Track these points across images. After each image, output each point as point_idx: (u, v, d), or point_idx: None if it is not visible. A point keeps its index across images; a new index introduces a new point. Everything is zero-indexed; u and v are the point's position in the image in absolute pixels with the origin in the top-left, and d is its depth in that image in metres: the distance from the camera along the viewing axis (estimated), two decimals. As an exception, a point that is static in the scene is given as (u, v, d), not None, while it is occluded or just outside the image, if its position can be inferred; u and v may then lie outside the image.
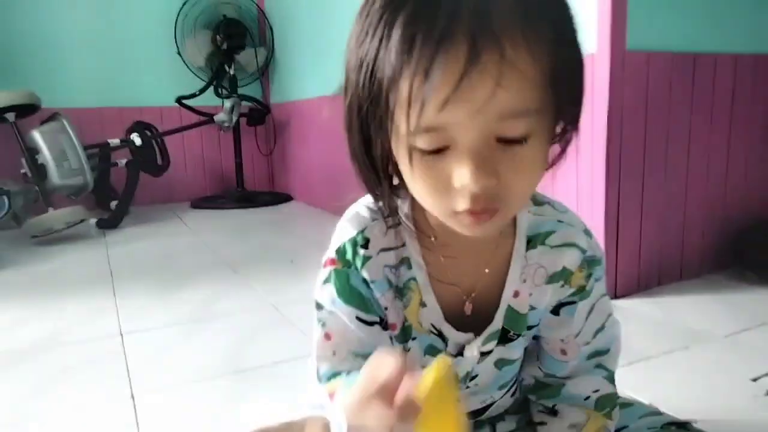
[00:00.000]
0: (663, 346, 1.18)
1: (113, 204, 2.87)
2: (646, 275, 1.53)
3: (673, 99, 1.47)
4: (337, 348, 0.56)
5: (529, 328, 0.61)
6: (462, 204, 0.43)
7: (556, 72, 0.40)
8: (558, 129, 0.46)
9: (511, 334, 0.60)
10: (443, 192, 0.43)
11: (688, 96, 1.50)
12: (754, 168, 1.67)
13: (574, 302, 0.60)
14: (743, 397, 0.97)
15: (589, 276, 0.59)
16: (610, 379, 0.65)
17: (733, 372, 1.06)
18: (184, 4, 3.29)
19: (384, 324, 0.56)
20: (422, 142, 0.41)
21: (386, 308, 0.55)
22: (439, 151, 0.41)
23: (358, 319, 0.54)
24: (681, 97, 1.49)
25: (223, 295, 1.64)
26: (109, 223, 2.76)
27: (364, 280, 0.54)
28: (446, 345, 0.58)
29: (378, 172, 0.48)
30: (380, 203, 0.53)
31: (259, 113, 3.52)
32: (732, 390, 1.00)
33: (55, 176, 2.56)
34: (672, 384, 1.03)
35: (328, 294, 0.55)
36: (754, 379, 1.02)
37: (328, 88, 2.81)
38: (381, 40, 0.40)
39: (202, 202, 3.41)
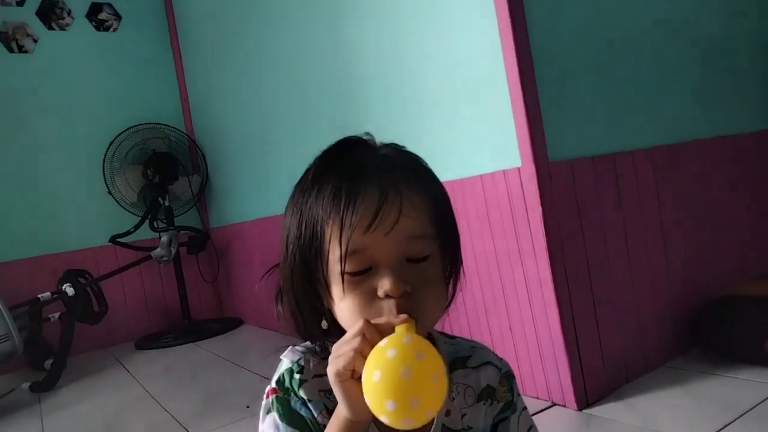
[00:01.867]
0: (646, 464, 1.12)
1: (47, 363, 2.66)
2: (613, 375, 1.50)
3: (602, 199, 1.52)
4: None
5: None
6: (386, 313, 0.54)
7: (436, 213, 0.58)
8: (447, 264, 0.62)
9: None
10: (370, 305, 0.55)
11: (614, 193, 1.55)
12: (690, 251, 1.72)
13: (507, 417, 0.68)
14: None
15: (510, 390, 0.68)
16: None
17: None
18: (110, 143, 3.26)
19: None
20: (351, 265, 0.55)
21: (324, 425, 0.60)
22: (364, 273, 0.55)
23: None
24: (609, 195, 1.53)
25: (175, 469, 1.49)
26: (44, 385, 2.54)
27: (304, 403, 0.61)
28: None
29: (314, 314, 0.61)
30: (312, 342, 0.64)
31: (199, 240, 3.43)
32: None
33: (-22, 347, 2.36)
34: None
35: (271, 421, 0.61)
36: (745, 495, 0.98)
37: (267, 210, 2.79)
38: (316, 198, 0.57)
39: (147, 342, 3.22)
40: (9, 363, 2.56)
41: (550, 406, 1.46)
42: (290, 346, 0.66)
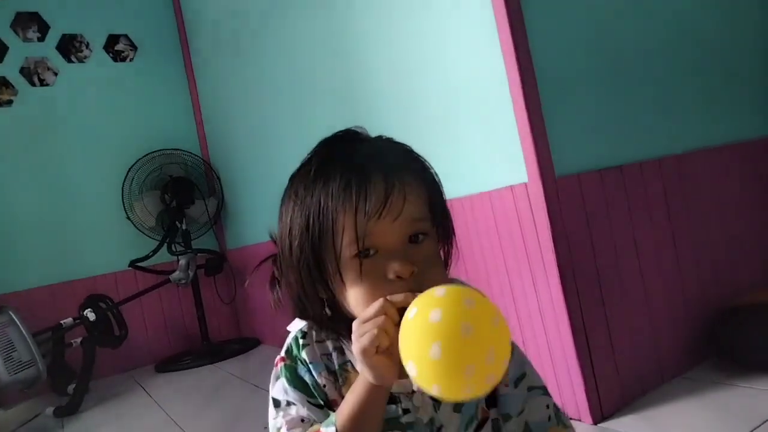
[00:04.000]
0: (662, 477, 1.12)
1: (71, 388, 2.71)
2: (628, 388, 1.49)
3: (611, 211, 1.52)
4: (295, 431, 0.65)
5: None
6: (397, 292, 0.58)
7: (432, 196, 0.64)
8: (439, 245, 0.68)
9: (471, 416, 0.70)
10: (381, 288, 0.59)
11: (624, 205, 1.55)
12: (702, 260, 1.71)
13: (521, 376, 0.74)
14: None
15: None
16: (545, 392, 0.76)
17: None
18: (129, 170, 3.34)
19: (327, 404, 0.66)
20: (352, 251, 0.59)
21: (324, 386, 0.66)
22: (372, 256, 0.59)
23: (309, 402, 0.65)
24: (618, 207, 1.54)
25: (195, 490, 1.51)
26: (68, 410, 2.58)
27: (307, 368, 0.66)
28: (398, 402, 0.66)
29: (318, 302, 0.65)
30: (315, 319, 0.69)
31: (216, 262, 3.48)
32: None
33: (3, 373, 2.41)
34: None
35: (280, 386, 0.67)
36: (763, 507, 0.97)
37: (282, 231, 2.83)
38: (323, 189, 0.60)
39: (167, 365, 3.25)
40: (33, 388, 2.61)
41: (566, 421, 1.46)
42: (296, 319, 0.71)
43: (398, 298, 0.57)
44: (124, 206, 3.32)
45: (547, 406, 0.74)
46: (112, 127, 3.52)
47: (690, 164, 1.72)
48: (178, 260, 3.30)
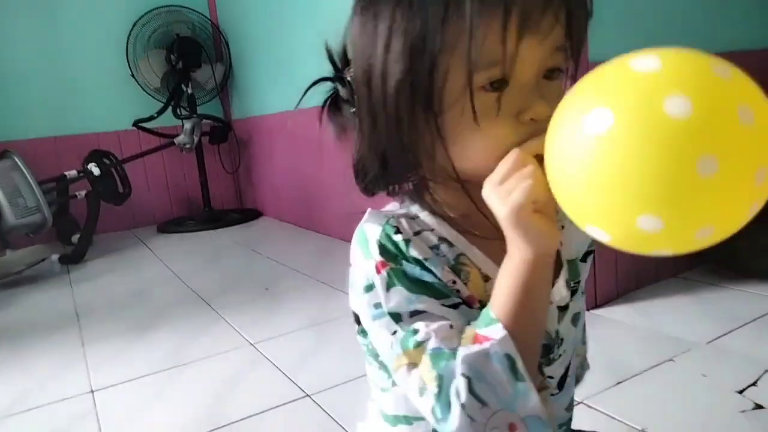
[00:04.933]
0: (649, 359, 1.17)
1: (75, 238, 2.77)
2: (624, 281, 1.53)
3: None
4: (444, 341, 0.47)
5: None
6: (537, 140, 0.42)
7: (576, 24, 0.44)
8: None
9: (573, 284, 0.56)
10: (514, 132, 0.44)
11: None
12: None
13: (591, 251, 0.60)
14: (731, 414, 0.97)
15: None
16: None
17: (719, 385, 1.06)
18: (134, 25, 3.20)
19: (466, 302, 0.50)
20: (485, 78, 0.42)
21: (454, 282, 0.50)
22: (499, 89, 0.43)
23: (444, 306, 0.48)
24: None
25: (199, 336, 1.59)
26: (73, 258, 2.66)
27: (422, 266, 0.49)
28: None
29: (404, 156, 0.48)
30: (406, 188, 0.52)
31: (221, 131, 3.43)
32: (720, 406, 1.00)
33: (10, 216, 2.45)
34: (660, 402, 1.03)
35: (399, 296, 0.48)
36: (740, 391, 1.03)
37: (291, 103, 2.76)
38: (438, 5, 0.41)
39: (169, 226, 3.32)
40: (39, 234, 2.67)
41: (559, 305, 1.51)
42: (368, 210, 0.53)
43: (535, 143, 0.42)
44: (128, 63, 3.21)
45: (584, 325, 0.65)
46: (116, -24, 3.32)
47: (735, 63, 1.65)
48: (182, 124, 3.26)
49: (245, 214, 3.42)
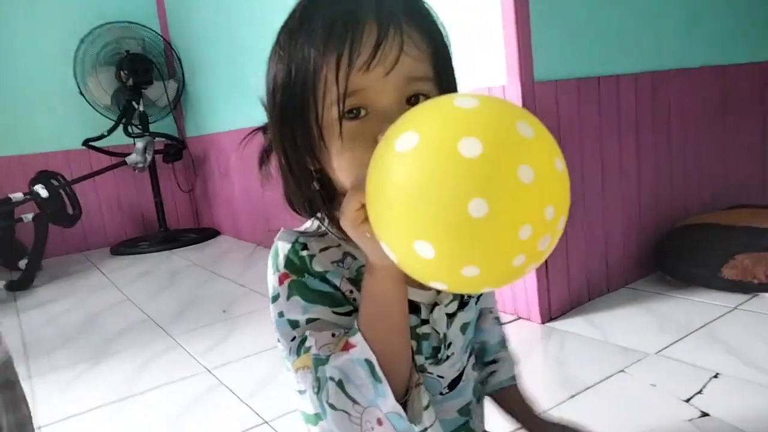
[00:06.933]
0: (601, 371, 1.21)
1: (22, 263, 2.67)
2: (576, 293, 1.57)
3: (583, 122, 1.52)
4: (322, 349, 0.54)
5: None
6: None
7: (437, 53, 0.53)
8: None
9: (465, 298, 0.65)
10: (371, 154, 0.46)
11: (596, 118, 1.56)
12: (662, 178, 1.76)
13: None
14: (679, 423, 1.00)
15: None
16: (499, 321, 0.82)
17: (667, 394, 1.10)
18: (82, 41, 3.12)
19: (357, 310, 0.55)
20: (344, 104, 0.49)
21: (351, 291, 0.56)
22: (362, 118, 0.49)
23: (336, 314, 0.55)
24: (590, 119, 1.54)
25: (153, 363, 1.55)
26: (20, 284, 2.56)
27: (322, 277, 0.55)
28: (418, 312, 0.60)
29: (305, 174, 0.55)
30: (299, 208, 0.59)
31: (175, 148, 3.38)
32: (669, 416, 1.03)
33: (-49, 243, 2.34)
34: (613, 415, 1.06)
35: (296, 305, 0.55)
36: (687, 400, 1.07)
37: (244, 120, 2.74)
38: (308, 36, 0.50)
39: (123, 248, 3.23)
40: (-18, 261, 2.56)
41: (515, 320, 1.54)
42: (281, 229, 0.60)
43: None
44: (76, 79, 3.13)
45: (502, 334, 0.81)
46: (63, -8, 3.24)
47: (664, 83, 1.72)
48: (134, 143, 3.19)
49: (202, 233, 3.36)
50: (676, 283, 1.65)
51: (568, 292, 1.54)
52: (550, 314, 1.51)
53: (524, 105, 1.37)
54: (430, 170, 0.34)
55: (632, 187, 1.68)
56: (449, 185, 0.34)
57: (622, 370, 1.20)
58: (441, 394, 0.65)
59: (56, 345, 1.80)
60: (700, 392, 1.09)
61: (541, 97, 1.40)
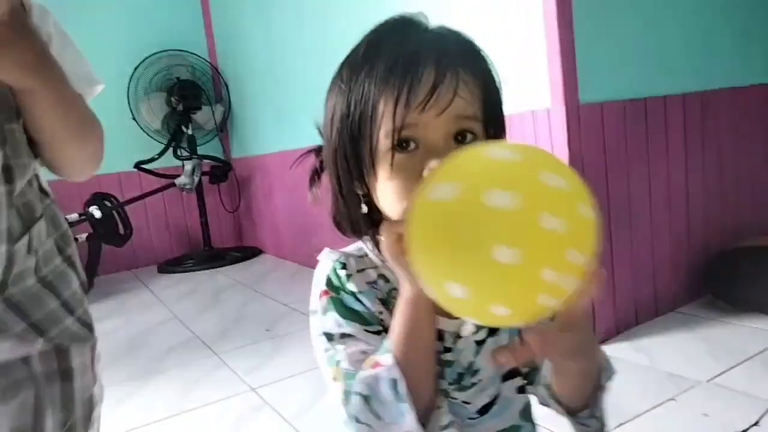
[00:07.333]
0: (650, 399, 1.17)
1: (76, 281, 2.78)
2: (623, 318, 1.54)
3: (630, 144, 1.50)
4: (352, 364, 0.58)
5: None
6: None
7: (487, 95, 0.56)
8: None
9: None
10: (416, 185, 0.48)
11: (643, 139, 1.53)
12: (712, 199, 1.72)
13: None
14: (735, 455, 0.97)
15: None
16: None
17: (722, 424, 1.06)
18: (135, 69, 3.26)
19: (387, 330, 0.58)
20: (397, 137, 0.52)
21: (381, 313, 0.60)
22: (411, 152, 0.53)
23: (367, 332, 0.59)
24: (637, 141, 1.52)
25: (200, 382, 1.59)
26: (74, 301, 2.66)
27: (355, 297, 0.60)
28: (443, 339, 0.62)
29: (354, 198, 0.59)
30: (347, 231, 0.62)
31: (221, 170, 3.48)
32: (723, 446, 1.00)
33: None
34: (664, 444, 1.03)
35: (332, 320, 0.60)
36: (744, 431, 1.03)
37: (289, 143, 2.80)
38: (368, 73, 0.54)
39: (170, 266, 3.33)
40: (40, 278, 2.67)
41: (559, 343, 1.51)
42: (326, 248, 0.65)
43: None
44: (129, 106, 3.27)
45: None
46: (119, 24, 3.41)
47: (713, 102, 1.69)
48: (183, 165, 3.30)
49: (245, 252, 3.44)
50: (728, 308, 1.59)
51: (614, 315, 1.51)
52: (596, 339, 1.47)
53: (569, 127, 1.37)
54: (459, 219, 0.38)
55: (681, 209, 1.64)
56: (476, 232, 0.37)
57: (672, 399, 1.17)
58: (471, 419, 0.66)
59: (107, 363, 1.85)
60: (756, 424, 1.05)
61: (586, 119, 1.40)
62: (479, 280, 0.38)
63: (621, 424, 1.09)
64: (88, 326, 0.69)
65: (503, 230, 0.37)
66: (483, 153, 0.41)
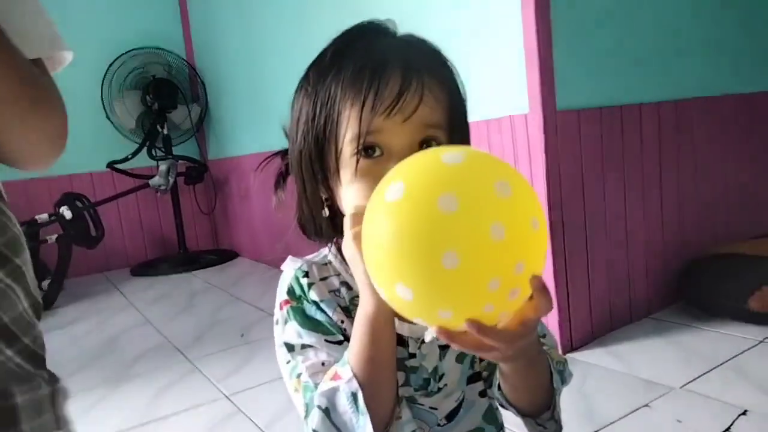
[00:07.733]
0: (624, 405, 1.18)
1: (45, 283, 2.71)
2: (598, 324, 1.55)
3: (606, 151, 1.52)
4: (311, 377, 0.58)
5: None
6: None
7: (452, 102, 0.57)
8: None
9: None
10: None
11: (618, 145, 1.55)
12: (686, 206, 1.74)
13: None
14: (708, 461, 0.98)
15: None
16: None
17: (694, 431, 1.07)
18: (109, 66, 3.20)
19: (349, 339, 0.58)
20: (362, 143, 0.53)
21: (342, 322, 0.60)
22: (376, 158, 0.53)
23: (327, 342, 0.59)
24: (612, 147, 1.53)
25: (173, 388, 1.55)
26: (42, 305, 2.58)
27: (317, 306, 0.60)
28: (406, 345, 0.62)
29: (317, 201, 0.59)
30: (311, 234, 0.62)
31: (197, 171, 3.42)
32: (696, 453, 1.01)
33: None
34: (638, 451, 1.03)
35: (293, 331, 0.60)
36: (715, 438, 1.04)
37: (266, 144, 2.77)
38: (335, 77, 0.54)
39: (143, 269, 3.27)
40: (7, 281, 2.59)
41: (536, 349, 1.52)
42: (288, 257, 0.64)
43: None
44: (103, 105, 3.20)
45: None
46: (93, 20, 3.33)
47: (688, 111, 1.72)
48: (158, 165, 3.24)
49: (221, 255, 3.39)
50: (701, 314, 1.61)
51: (590, 322, 1.52)
52: (571, 345, 1.48)
53: (546, 133, 1.37)
54: (409, 222, 0.38)
55: (655, 216, 1.66)
56: (425, 237, 0.37)
57: (646, 405, 1.18)
58: (439, 425, 0.65)
59: (77, 367, 1.81)
60: (727, 430, 1.06)
61: (563, 125, 1.40)
62: (426, 285, 0.38)
63: (596, 431, 1.10)
64: (36, 359, 0.49)
65: (452, 237, 0.36)
66: (437, 157, 0.41)
